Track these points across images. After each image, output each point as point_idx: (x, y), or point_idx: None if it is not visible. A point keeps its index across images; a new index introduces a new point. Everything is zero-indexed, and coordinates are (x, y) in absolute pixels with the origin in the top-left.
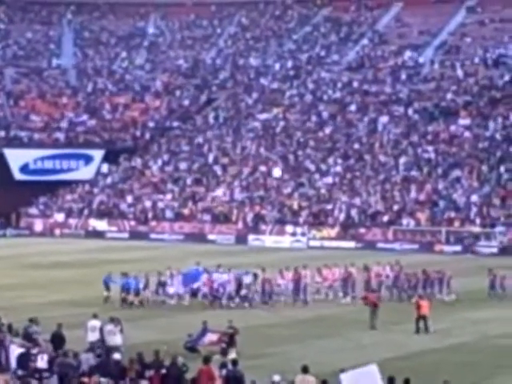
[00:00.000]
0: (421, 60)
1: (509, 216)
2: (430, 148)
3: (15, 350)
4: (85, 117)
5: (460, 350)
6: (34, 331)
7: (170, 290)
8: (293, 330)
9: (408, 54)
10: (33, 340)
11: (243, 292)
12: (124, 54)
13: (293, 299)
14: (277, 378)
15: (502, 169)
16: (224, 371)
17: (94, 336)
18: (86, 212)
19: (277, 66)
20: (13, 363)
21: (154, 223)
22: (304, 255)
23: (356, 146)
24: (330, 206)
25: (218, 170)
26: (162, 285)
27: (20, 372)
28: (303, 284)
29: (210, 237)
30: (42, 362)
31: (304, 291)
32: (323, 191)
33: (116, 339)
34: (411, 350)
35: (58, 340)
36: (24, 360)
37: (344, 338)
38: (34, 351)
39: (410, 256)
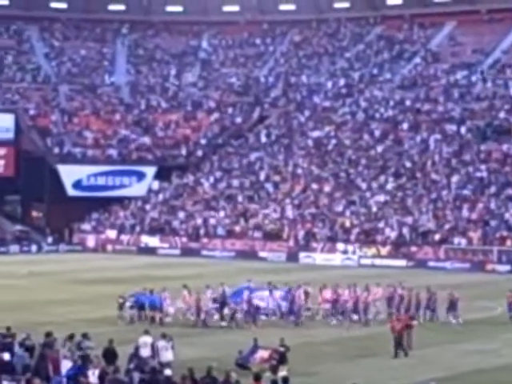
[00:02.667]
0: (473, 79)
1: None
2: (483, 167)
3: (67, 365)
4: (138, 134)
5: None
6: (86, 346)
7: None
8: (341, 348)
9: (461, 72)
10: (85, 355)
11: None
12: (177, 72)
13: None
14: None
15: None
16: None
17: (145, 352)
18: (138, 228)
19: (329, 84)
20: (64, 378)
21: (205, 240)
22: (355, 273)
23: (408, 164)
24: (381, 224)
25: (269, 187)
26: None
27: None
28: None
29: (261, 254)
30: (93, 377)
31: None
32: (374, 209)
33: (168, 355)
34: (461, 370)
35: (110, 355)
36: (75, 375)
37: (392, 357)
38: (86, 367)
39: (461, 275)
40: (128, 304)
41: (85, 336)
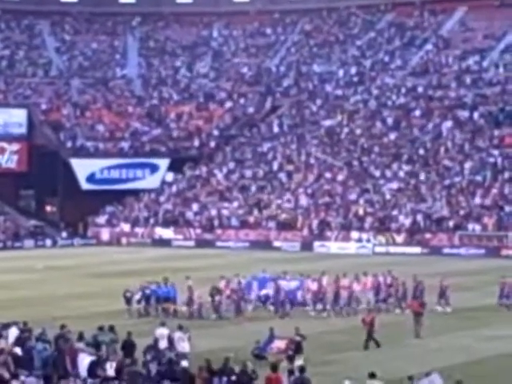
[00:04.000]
0: (485, 64)
1: None
2: (496, 152)
3: (84, 359)
4: (150, 126)
5: None
6: (104, 340)
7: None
8: (357, 337)
9: (473, 58)
10: (101, 349)
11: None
12: (188, 63)
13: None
14: (347, 383)
15: None
16: (292, 378)
17: (162, 344)
18: (152, 221)
19: (340, 73)
20: (82, 371)
21: (219, 231)
22: (370, 261)
23: (421, 151)
24: (395, 212)
25: (282, 177)
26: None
27: (90, 380)
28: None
29: (276, 244)
30: (110, 370)
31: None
32: (388, 197)
33: (185, 346)
34: (481, 356)
35: (128, 348)
36: (93, 368)
37: (408, 345)
38: (103, 359)
39: (476, 261)
40: (136, 297)
41: (102, 329)
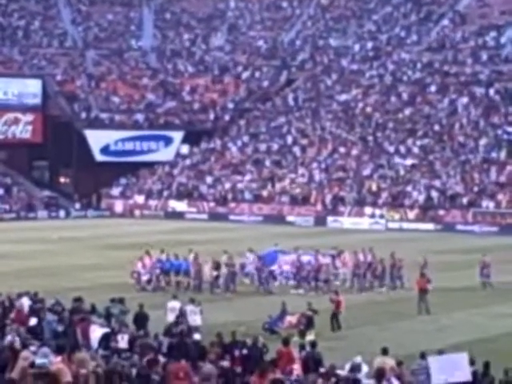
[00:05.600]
0: (502, 40)
1: None
2: (511, 129)
3: (95, 330)
4: (165, 98)
5: None
6: (114, 312)
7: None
8: (369, 312)
9: (490, 34)
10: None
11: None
12: (203, 36)
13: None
14: (358, 359)
15: None
16: (303, 353)
17: (173, 317)
18: (165, 193)
19: (356, 47)
20: (94, 343)
21: (233, 205)
22: (383, 237)
23: (436, 127)
24: (409, 188)
25: (296, 151)
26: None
27: (101, 352)
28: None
29: (289, 218)
30: (122, 342)
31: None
32: (402, 173)
33: (196, 319)
34: (494, 333)
35: (141, 320)
36: (106, 340)
37: (421, 320)
38: (115, 332)
39: (489, 238)
40: (144, 278)
41: (114, 301)
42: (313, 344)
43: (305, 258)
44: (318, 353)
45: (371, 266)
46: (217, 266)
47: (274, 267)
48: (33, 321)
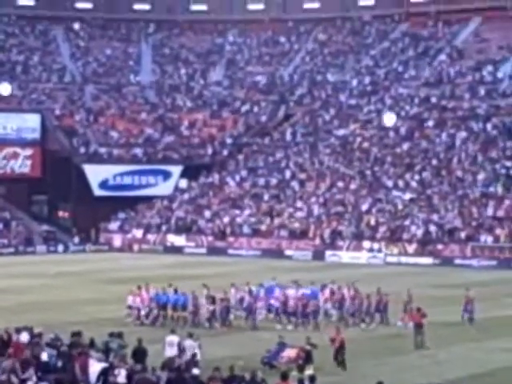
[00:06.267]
0: (499, 75)
1: None
2: (509, 164)
3: (93, 365)
4: (163, 133)
5: None
6: (112, 347)
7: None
8: (368, 347)
9: (487, 69)
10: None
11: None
12: (202, 71)
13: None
14: None
15: None
16: None
17: (171, 351)
18: (164, 228)
19: (354, 82)
20: (92, 378)
21: (231, 239)
22: (381, 271)
23: (434, 161)
24: (407, 222)
25: (295, 185)
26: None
27: None
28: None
29: (288, 252)
30: (120, 377)
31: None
32: (400, 207)
33: (195, 354)
34: (492, 367)
35: (140, 354)
36: (104, 375)
37: (418, 355)
38: (113, 366)
39: (488, 272)
40: (143, 313)
41: (113, 335)
42: (312, 378)
43: (301, 293)
44: None
45: (355, 300)
46: (212, 301)
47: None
48: (44, 355)
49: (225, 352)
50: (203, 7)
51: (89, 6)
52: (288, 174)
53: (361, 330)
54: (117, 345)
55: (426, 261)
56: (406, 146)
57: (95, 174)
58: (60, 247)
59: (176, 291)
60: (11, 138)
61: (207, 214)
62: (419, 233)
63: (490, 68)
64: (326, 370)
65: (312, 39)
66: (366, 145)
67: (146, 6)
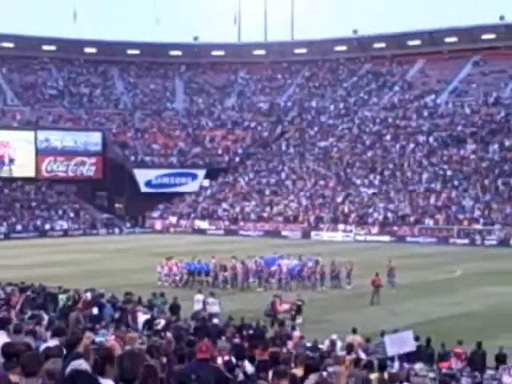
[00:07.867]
0: (438, 101)
1: (505, 217)
2: (446, 167)
3: (141, 317)
4: (192, 146)
5: (471, 316)
6: (156, 303)
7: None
8: (343, 302)
9: (429, 96)
10: (154, 309)
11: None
12: (220, 99)
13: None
14: (334, 336)
15: (499, 182)
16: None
17: (198, 306)
18: (192, 215)
19: (332, 107)
20: (140, 326)
21: (242, 223)
22: (352, 247)
23: (390, 165)
24: (371, 210)
25: (288, 184)
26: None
27: (145, 332)
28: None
29: (283, 233)
30: (160, 325)
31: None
32: (366, 199)
33: (216, 308)
34: (433, 317)
35: (175, 309)
36: (148, 324)
37: (379, 308)
38: (155, 317)
39: (430, 247)
40: (177, 278)
41: (155, 295)
42: (292, 326)
43: (294, 263)
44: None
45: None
46: (224, 269)
47: (274, 268)
48: (94, 310)
49: (237, 307)
50: (221, 53)
51: (137, 52)
52: (283, 175)
53: (322, 291)
54: (160, 301)
55: (385, 239)
56: (370, 153)
57: (142, 176)
58: (116, 230)
59: (199, 261)
60: (80, 150)
61: (224, 205)
62: (380, 218)
63: (431, 96)
64: (312, 319)
65: (301, 76)
66: (340, 153)
67: (179, 53)
